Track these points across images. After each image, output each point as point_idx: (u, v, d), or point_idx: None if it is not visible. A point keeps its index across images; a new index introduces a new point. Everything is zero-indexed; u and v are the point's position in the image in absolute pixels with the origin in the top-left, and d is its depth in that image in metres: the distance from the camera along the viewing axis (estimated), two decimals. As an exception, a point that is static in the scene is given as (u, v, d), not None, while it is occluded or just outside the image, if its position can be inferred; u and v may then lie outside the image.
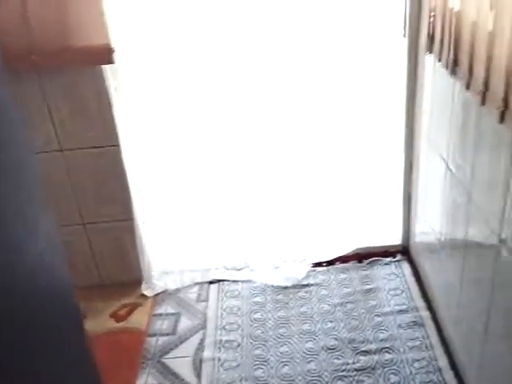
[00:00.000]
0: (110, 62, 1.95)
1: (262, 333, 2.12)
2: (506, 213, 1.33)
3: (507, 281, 1.37)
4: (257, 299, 2.30)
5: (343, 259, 2.49)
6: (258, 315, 2.21)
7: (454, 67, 1.54)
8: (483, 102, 1.32)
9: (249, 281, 2.40)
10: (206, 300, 2.31)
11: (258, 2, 2.06)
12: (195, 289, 2.38)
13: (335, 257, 2.49)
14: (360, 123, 2.34)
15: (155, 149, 2.31)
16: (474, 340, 1.67)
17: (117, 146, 2.14)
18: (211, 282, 2.41)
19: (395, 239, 2.53)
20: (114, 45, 1.93)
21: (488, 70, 1.27)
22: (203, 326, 2.17)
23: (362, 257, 2.50)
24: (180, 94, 2.21)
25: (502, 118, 1.20)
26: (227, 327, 2.16)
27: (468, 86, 1.43)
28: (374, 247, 2.52)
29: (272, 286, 2.36)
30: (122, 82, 2.11)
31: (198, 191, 2.40)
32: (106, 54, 1.93)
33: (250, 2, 2.06)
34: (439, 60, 1.68)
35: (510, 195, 1.30)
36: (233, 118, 2.29)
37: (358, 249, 2.51)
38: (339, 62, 2.20)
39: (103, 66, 2.00)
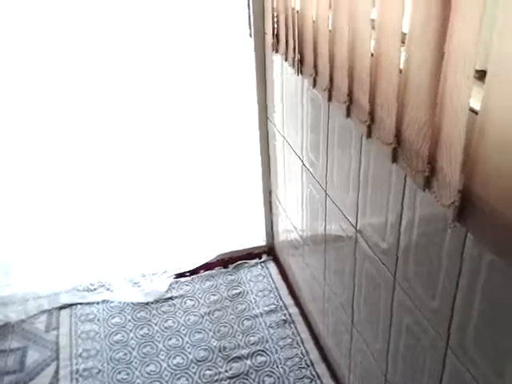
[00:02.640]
0: None
1: (125, 355, 2.06)
2: (360, 205, 1.46)
3: (366, 269, 1.50)
4: (116, 320, 2.23)
5: (207, 266, 2.52)
6: (118, 337, 2.14)
7: (299, 66, 1.65)
8: (330, 98, 1.43)
9: (105, 301, 2.32)
10: (57, 328, 2.18)
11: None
12: (43, 317, 2.24)
13: (199, 265, 2.51)
14: (214, 126, 2.40)
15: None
16: (342, 330, 1.80)
17: None
18: (61, 308, 2.29)
19: (260, 240, 2.63)
20: None
21: (331, 67, 1.38)
22: (56, 357, 2.05)
23: (226, 262, 2.55)
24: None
25: (348, 113, 1.31)
26: (84, 354, 2.06)
27: (315, 84, 1.54)
28: (239, 250, 2.59)
29: (132, 303, 2.31)
30: None
31: (35, 204, 2.27)
32: None
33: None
34: (286, 59, 1.79)
35: (361, 188, 1.43)
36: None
37: (222, 254, 2.56)
38: (189, 65, 2.24)
39: None
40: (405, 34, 0.94)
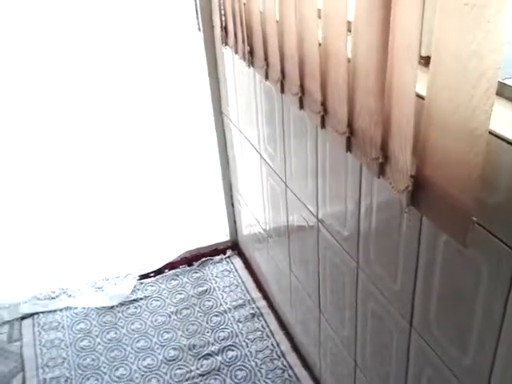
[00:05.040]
0: None
1: (93, 360, 2.05)
2: (319, 194, 1.49)
3: (329, 257, 1.54)
4: (81, 326, 2.21)
5: (172, 266, 2.53)
6: (84, 343, 2.13)
7: (250, 59, 1.65)
8: (282, 90, 1.44)
9: (68, 308, 2.30)
10: (20, 339, 2.16)
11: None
12: (4, 328, 2.21)
13: (163, 265, 2.52)
14: (171, 124, 2.39)
15: None
16: (309, 319, 1.84)
17: None
18: (23, 318, 2.26)
19: (223, 235, 2.64)
20: None
21: (282, 59, 1.39)
22: (21, 368, 2.03)
23: (191, 259, 2.56)
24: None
25: (301, 105, 1.32)
26: (50, 363, 2.04)
27: (267, 76, 1.54)
28: (203, 247, 2.60)
29: (96, 308, 2.30)
30: None
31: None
32: None
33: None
34: (236, 52, 1.79)
35: (319, 178, 1.46)
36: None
37: (186, 252, 2.57)
38: (141, 62, 2.22)
39: None
40: (350, 23, 0.96)
